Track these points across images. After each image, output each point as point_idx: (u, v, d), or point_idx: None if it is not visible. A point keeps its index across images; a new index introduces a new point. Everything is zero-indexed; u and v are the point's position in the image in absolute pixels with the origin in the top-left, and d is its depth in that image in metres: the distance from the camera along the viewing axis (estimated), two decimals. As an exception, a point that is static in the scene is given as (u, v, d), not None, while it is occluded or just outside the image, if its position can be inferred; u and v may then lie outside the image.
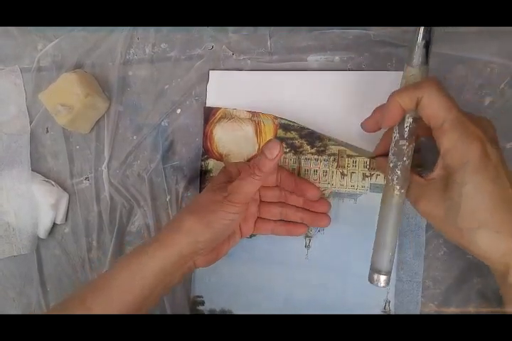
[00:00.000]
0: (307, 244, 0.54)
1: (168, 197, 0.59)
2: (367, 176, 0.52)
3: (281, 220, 0.52)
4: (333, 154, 0.53)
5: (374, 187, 0.52)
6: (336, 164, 0.53)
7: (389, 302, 0.51)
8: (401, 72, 0.52)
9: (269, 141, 0.44)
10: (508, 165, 0.48)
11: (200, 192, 0.57)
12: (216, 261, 0.50)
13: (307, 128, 0.53)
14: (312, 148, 0.53)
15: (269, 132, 0.55)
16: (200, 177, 0.57)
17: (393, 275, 0.51)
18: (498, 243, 0.37)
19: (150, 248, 0.46)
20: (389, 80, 0.52)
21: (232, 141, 0.56)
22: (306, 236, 0.53)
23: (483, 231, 0.37)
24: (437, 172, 0.40)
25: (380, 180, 0.52)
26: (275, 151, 0.44)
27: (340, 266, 0.53)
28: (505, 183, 0.36)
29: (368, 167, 0.52)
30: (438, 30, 0.51)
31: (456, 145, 0.36)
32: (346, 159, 0.52)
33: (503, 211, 0.36)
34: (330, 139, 0.52)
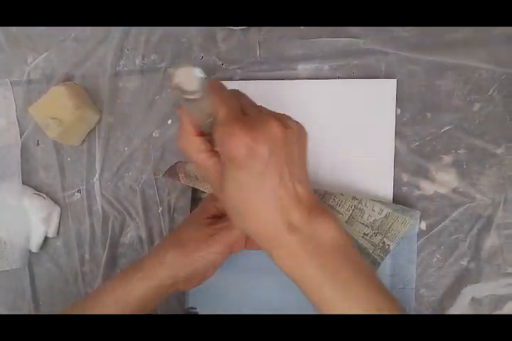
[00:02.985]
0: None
1: (160, 209, 0.59)
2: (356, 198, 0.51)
3: None
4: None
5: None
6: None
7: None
8: (390, 80, 0.52)
9: None
10: (504, 170, 0.49)
11: (191, 203, 0.57)
12: (202, 283, 0.51)
13: None
14: None
15: None
16: (192, 188, 0.57)
17: (387, 282, 0.51)
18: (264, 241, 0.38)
19: (134, 277, 0.47)
20: (379, 88, 0.52)
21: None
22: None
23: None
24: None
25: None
26: None
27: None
28: (273, 180, 0.35)
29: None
30: (428, 37, 0.51)
31: (221, 145, 0.36)
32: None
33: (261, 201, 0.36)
34: None
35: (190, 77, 0.29)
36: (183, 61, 0.30)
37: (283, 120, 0.36)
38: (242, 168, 0.35)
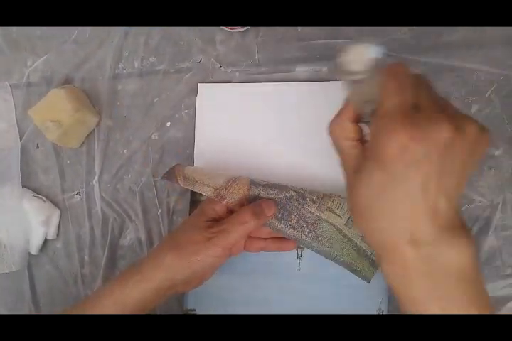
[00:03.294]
0: (299, 255, 0.53)
1: (160, 211, 0.59)
2: None
3: (271, 238, 0.52)
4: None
5: None
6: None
7: (382, 311, 0.51)
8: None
9: (268, 200, 0.49)
10: (502, 172, 0.49)
11: (190, 205, 0.58)
12: (200, 285, 0.51)
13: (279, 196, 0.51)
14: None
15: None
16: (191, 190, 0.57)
17: (385, 285, 0.51)
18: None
19: (132, 280, 0.47)
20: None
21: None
22: (298, 247, 0.53)
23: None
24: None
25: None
26: (272, 210, 0.48)
27: (333, 277, 0.52)
28: (415, 187, 0.32)
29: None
30: (426, 39, 0.52)
31: (374, 137, 0.33)
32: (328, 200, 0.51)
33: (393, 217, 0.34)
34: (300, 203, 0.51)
35: (360, 56, 0.26)
36: (365, 38, 0.27)
37: (457, 121, 0.31)
38: (382, 167, 0.32)
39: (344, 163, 0.38)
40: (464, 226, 0.34)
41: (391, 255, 0.34)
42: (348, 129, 0.36)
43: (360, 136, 0.37)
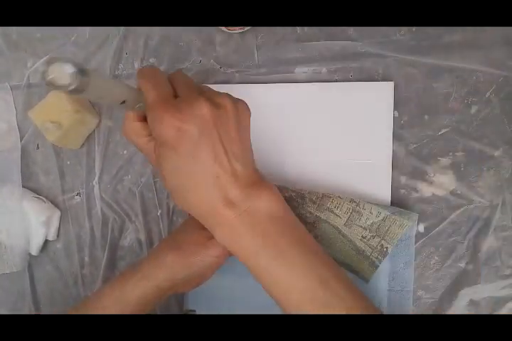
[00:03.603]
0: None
1: (160, 212, 0.59)
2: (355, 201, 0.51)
3: None
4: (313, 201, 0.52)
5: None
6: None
7: (381, 312, 0.51)
8: (388, 82, 0.52)
9: None
10: (501, 172, 0.49)
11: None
12: (200, 285, 0.51)
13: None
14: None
15: None
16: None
17: (384, 285, 0.51)
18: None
19: (133, 279, 0.47)
20: (376, 90, 0.53)
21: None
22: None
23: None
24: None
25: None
26: None
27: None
28: (206, 158, 0.37)
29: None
30: (425, 40, 0.52)
31: (152, 129, 0.37)
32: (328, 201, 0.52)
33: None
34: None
35: (61, 73, 0.29)
36: (54, 57, 0.32)
37: (214, 99, 0.38)
38: (173, 149, 0.36)
39: (148, 157, 0.42)
40: (263, 180, 0.40)
41: (217, 220, 0.39)
42: (136, 128, 0.41)
43: (150, 132, 0.40)
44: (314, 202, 0.50)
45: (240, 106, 0.40)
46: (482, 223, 0.50)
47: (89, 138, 0.62)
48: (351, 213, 0.50)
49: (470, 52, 0.51)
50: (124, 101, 0.37)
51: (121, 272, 0.50)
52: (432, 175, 0.51)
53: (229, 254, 0.49)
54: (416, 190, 0.52)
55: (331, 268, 0.39)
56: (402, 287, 0.51)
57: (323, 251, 0.41)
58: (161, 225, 0.59)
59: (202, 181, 0.37)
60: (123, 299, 0.47)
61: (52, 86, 0.29)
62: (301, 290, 0.38)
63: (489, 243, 0.50)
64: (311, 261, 0.38)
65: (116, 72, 0.61)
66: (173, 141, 0.36)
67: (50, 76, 0.29)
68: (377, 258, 0.50)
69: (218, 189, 0.37)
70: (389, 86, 0.52)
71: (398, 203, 0.52)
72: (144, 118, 0.40)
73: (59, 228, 0.63)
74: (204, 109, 0.36)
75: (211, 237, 0.46)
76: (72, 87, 0.29)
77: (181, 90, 0.39)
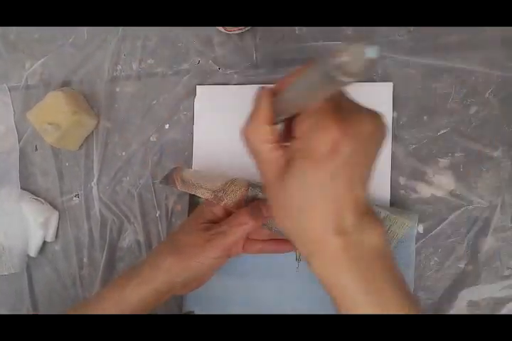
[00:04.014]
0: (298, 257, 0.53)
1: (158, 213, 0.59)
2: None
3: (270, 239, 0.51)
4: None
5: None
6: None
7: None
8: (387, 83, 0.52)
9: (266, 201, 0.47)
10: (500, 173, 0.49)
11: (189, 207, 0.57)
12: (199, 287, 0.51)
13: None
14: None
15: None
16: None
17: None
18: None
19: (132, 282, 0.47)
20: (375, 91, 0.52)
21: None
22: (297, 248, 0.53)
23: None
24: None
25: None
26: (270, 211, 0.46)
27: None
28: (342, 181, 0.32)
29: None
30: (424, 40, 0.52)
31: (305, 133, 0.33)
32: None
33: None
34: None
35: (359, 57, 0.24)
36: (355, 40, 0.25)
37: (377, 117, 0.33)
38: (315, 164, 0.32)
39: (264, 167, 0.37)
40: (373, 210, 0.36)
41: (320, 248, 0.35)
42: (266, 132, 0.35)
43: (278, 138, 0.36)
44: None
45: (386, 128, 0.34)
46: (481, 224, 0.50)
47: (88, 139, 0.62)
48: None
49: (469, 52, 0.51)
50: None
51: (120, 275, 0.50)
52: (431, 175, 0.51)
53: (227, 256, 0.49)
54: (415, 191, 0.52)
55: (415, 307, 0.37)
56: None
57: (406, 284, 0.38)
58: (160, 226, 0.59)
59: (324, 203, 0.33)
60: (122, 302, 0.47)
61: (339, 72, 0.24)
62: None
63: (489, 243, 0.50)
64: (402, 306, 0.36)
65: (115, 74, 0.61)
66: (321, 154, 0.31)
67: (342, 59, 0.23)
68: None
69: (337, 215, 0.34)
70: (388, 87, 0.52)
71: (397, 204, 0.52)
72: (273, 122, 0.35)
73: (57, 229, 0.63)
74: (369, 126, 0.32)
75: (209, 239, 0.46)
76: (360, 78, 0.24)
77: (346, 99, 0.34)
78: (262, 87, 0.36)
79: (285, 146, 0.35)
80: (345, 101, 0.34)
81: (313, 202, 0.34)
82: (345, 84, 0.25)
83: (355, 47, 0.23)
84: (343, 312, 0.36)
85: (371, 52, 0.24)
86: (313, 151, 0.32)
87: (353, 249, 0.34)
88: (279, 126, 0.37)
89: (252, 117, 0.36)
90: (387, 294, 0.35)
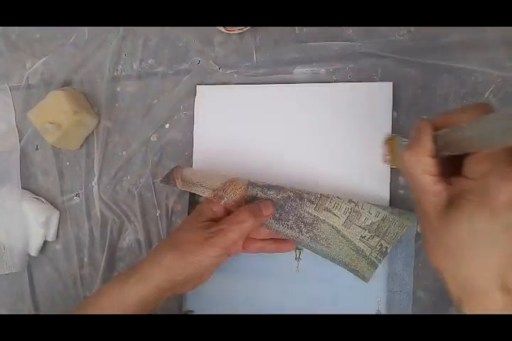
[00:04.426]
0: (297, 256, 0.53)
1: (158, 212, 0.59)
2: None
3: (270, 239, 0.52)
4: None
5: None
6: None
7: (380, 313, 0.51)
8: (386, 83, 0.52)
9: (266, 200, 0.49)
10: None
11: (189, 207, 0.58)
12: (199, 286, 0.51)
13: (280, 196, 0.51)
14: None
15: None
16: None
17: (384, 286, 0.51)
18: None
19: (131, 279, 0.47)
20: (375, 91, 0.53)
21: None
22: (297, 248, 0.53)
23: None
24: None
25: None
26: (270, 210, 0.48)
27: (331, 278, 0.52)
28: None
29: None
30: (424, 40, 0.52)
31: (482, 177, 0.32)
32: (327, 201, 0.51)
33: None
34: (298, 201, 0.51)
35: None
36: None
37: None
38: (494, 213, 0.31)
39: (423, 198, 0.35)
40: None
41: (478, 300, 0.34)
42: (428, 163, 0.34)
43: (440, 171, 0.35)
44: (313, 203, 0.50)
45: None
46: (481, 223, 0.50)
47: (88, 139, 0.62)
48: (350, 213, 0.50)
49: (468, 52, 0.51)
50: None
51: (120, 273, 0.50)
52: (431, 175, 0.51)
53: (227, 255, 0.49)
54: (415, 191, 0.52)
55: None
56: (401, 288, 0.51)
57: None
58: (160, 226, 0.59)
59: (493, 254, 0.32)
60: (122, 300, 0.47)
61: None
62: None
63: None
64: None
65: (115, 73, 0.61)
66: (502, 205, 0.30)
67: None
68: (376, 257, 0.50)
69: (505, 269, 0.32)
70: (388, 86, 0.52)
71: (397, 204, 0.52)
72: (435, 155, 0.35)
73: (58, 229, 0.63)
74: None
75: (209, 237, 0.46)
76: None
77: None
78: (424, 120, 0.36)
79: (446, 181, 0.35)
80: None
81: (481, 251, 0.33)
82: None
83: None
84: None
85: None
86: (491, 199, 0.31)
87: None
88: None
89: (413, 148, 0.35)
90: None
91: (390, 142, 0.48)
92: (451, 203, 0.33)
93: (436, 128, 0.35)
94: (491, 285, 0.33)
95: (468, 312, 0.35)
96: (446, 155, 0.35)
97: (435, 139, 0.35)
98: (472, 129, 0.31)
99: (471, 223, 0.32)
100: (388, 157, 0.45)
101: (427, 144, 0.34)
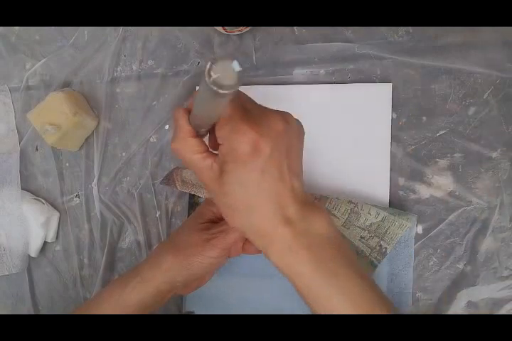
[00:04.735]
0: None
1: (158, 213, 0.59)
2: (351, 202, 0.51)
3: None
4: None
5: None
6: None
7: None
8: (386, 84, 0.53)
9: None
10: (499, 174, 0.49)
11: (189, 208, 0.58)
12: (199, 287, 0.51)
13: None
14: None
15: None
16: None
17: (383, 286, 0.51)
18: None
19: (132, 281, 0.47)
20: (374, 92, 0.53)
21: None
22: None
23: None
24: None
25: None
26: None
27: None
28: (274, 175, 0.36)
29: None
30: (423, 41, 0.52)
31: (226, 139, 0.36)
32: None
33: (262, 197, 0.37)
34: None
35: (229, 71, 0.28)
36: (220, 56, 0.28)
37: (284, 116, 0.38)
38: (243, 165, 0.35)
39: (201, 175, 0.39)
40: (314, 201, 0.40)
41: (271, 240, 0.38)
42: (192, 144, 0.38)
43: (206, 147, 0.39)
44: None
45: (301, 125, 0.40)
46: (480, 224, 0.50)
47: (88, 140, 0.62)
48: (349, 214, 0.50)
49: (468, 53, 0.51)
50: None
51: (120, 275, 0.50)
52: (430, 176, 0.52)
53: (227, 256, 0.49)
54: (414, 192, 0.52)
55: (377, 293, 0.39)
56: (400, 289, 0.51)
57: (369, 274, 0.41)
58: (160, 227, 0.59)
59: (266, 198, 0.37)
60: (122, 302, 0.47)
61: (216, 86, 0.27)
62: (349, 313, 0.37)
63: (487, 244, 0.50)
64: (361, 286, 0.38)
65: (115, 75, 0.61)
66: (246, 155, 0.35)
67: (214, 75, 0.27)
68: (376, 258, 0.50)
69: (279, 206, 0.37)
70: (387, 87, 0.52)
71: (396, 204, 0.52)
72: (196, 135, 0.39)
73: (58, 230, 0.63)
74: (279, 124, 0.36)
75: (209, 239, 0.46)
76: (236, 88, 0.28)
77: (250, 105, 0.38)
78: (177, 107, 0.40)
79: (216, 154, 0.38)
80: (252, 106, 0.38)
81: (254, 197, 0.37)
82: (227, 95, 0.28)
83: (221, 64, 0.28)
84: (307, 300, 0.39)
85: (235, 65, 0.28)
86: (238, 153, 0.35)
87: (301, 237, 0.37)
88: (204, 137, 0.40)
89: (176, 133, 0.39)
90: (343, 277, 0.37)
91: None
92: (222, 170, 0.37)
93: (189, 112, 0.38)
94: (274, 223, 0.37)
95: (271, 258, 0.38)
96: (206, 132, 0.40)
97: (191, 122, 0.38)
98: (195, 106, 0.35)
99: (236, 179, 0.36)
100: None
101: (185, 127, 0.38)
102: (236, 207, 0.38)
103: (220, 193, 0.38)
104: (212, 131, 0.39)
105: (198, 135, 0.39)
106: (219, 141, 0.37)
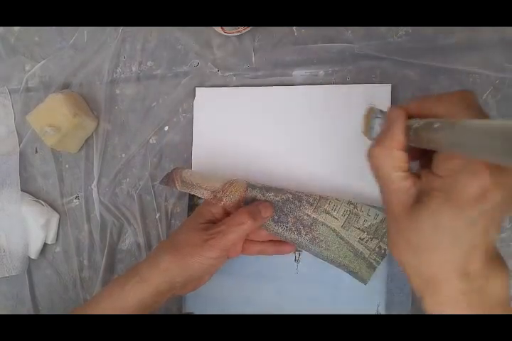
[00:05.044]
0: (297, 258, 0.53)
1: (158, 215, 0.59)
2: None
3: (269, 241, 0.52)
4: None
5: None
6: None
7: (379, 314, 0.51)
8: (385, 85, 0.53)
9: (265, 202, 0.49)
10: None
11: (188, 209, 0.58)
12: (199, 288, 0.51)
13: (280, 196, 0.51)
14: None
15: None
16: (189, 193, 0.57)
17: (383, 287, 0.51)
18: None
19: (131, 281, 0.47)
20: (374, 93, 0.53)
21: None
22: (296, 250, 0.53)
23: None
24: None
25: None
26: (269, 211, 0.48)
27: (330, 279, 0.52)
28: (480, 227, 0.31)
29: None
30: (422, 42, 0.52)
31: (452, 174, 0.31)
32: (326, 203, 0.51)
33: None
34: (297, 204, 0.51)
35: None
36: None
37: None
38: (460, 209, 0.31)
39: (389, 195, 0.34)
40: (499, 253, 0.34)
41: (440, 288, 0.33)
42: (398, 158, 0.33)
43: (409, 165, 0.34)
44: (312, 204, 0.50)
45: None
46: (480, 225, 0.50)
47: (88, 141, 0.62)
48: (349, 215, 0.50)
49: (467, 54, 0.51)
50: None
51: (120, 275, 0.50)
52: (430, 177, 0.51)
53: (226, 257, 0.49)
54: (414, 192, 0.52)
55: None
56: (400, 289, 0.51)
57: None
58: (160, 228, 0.59)
59: (456, 247, 0.32)
60: (121, 303, 0.47)
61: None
62: None
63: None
64: None
65: (114, 76, 0.62)
66: (468, 201, 0.30)
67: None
68: (375, 259, 0.50)
69: (465, 260, 0.32)
70: (386, 88, 0.52)
71: (396, 205, 0.52)
72: (405, 148, 0.33)
73: (58, 231, 0.63)
74: None
75: (208, 239, 0.46)
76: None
77: None
78: (396, 107, 0.34)
79: (416, 175, 0.34)
80: None
81: (445, 245, 0.32)
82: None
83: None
84: None
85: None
86: (457, 195, 0.30)
87: (474, 294, 0.33)
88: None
89: (384, 140, 0.33)
90: None
91: (367, 114, 0.46)
92: (419, 200, 0.33)
93: (409, 116, 0.34)
94: (451, 273, 0.32)
95: (428, 305, 0.34)
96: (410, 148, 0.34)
97: (407, 131, 0.33)
98: (444, 134, 0.30)
99: (435, 218, 0.32)
100: (365, 129, 0.42)
101: (398, 137, 0.33)
102: (417, 244, 0.33)
103: (405, 223, 0.33)
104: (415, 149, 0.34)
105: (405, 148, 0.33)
106: (437, 170, 0.32)
